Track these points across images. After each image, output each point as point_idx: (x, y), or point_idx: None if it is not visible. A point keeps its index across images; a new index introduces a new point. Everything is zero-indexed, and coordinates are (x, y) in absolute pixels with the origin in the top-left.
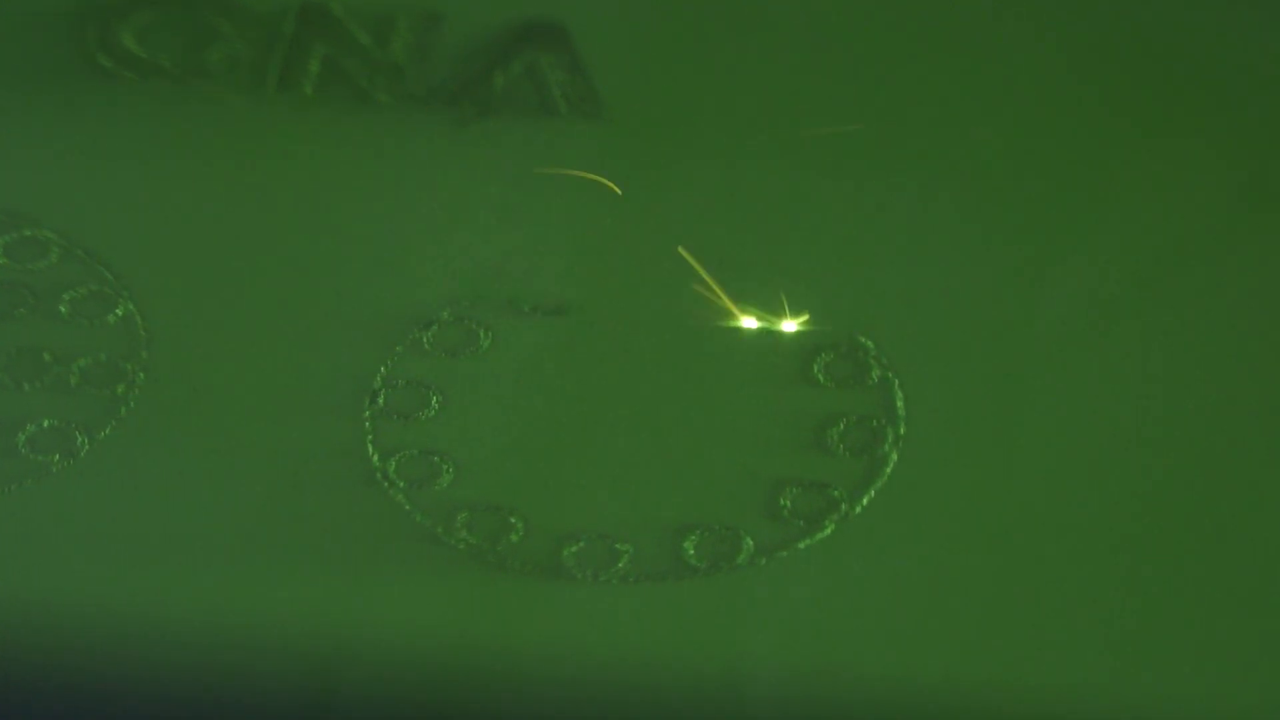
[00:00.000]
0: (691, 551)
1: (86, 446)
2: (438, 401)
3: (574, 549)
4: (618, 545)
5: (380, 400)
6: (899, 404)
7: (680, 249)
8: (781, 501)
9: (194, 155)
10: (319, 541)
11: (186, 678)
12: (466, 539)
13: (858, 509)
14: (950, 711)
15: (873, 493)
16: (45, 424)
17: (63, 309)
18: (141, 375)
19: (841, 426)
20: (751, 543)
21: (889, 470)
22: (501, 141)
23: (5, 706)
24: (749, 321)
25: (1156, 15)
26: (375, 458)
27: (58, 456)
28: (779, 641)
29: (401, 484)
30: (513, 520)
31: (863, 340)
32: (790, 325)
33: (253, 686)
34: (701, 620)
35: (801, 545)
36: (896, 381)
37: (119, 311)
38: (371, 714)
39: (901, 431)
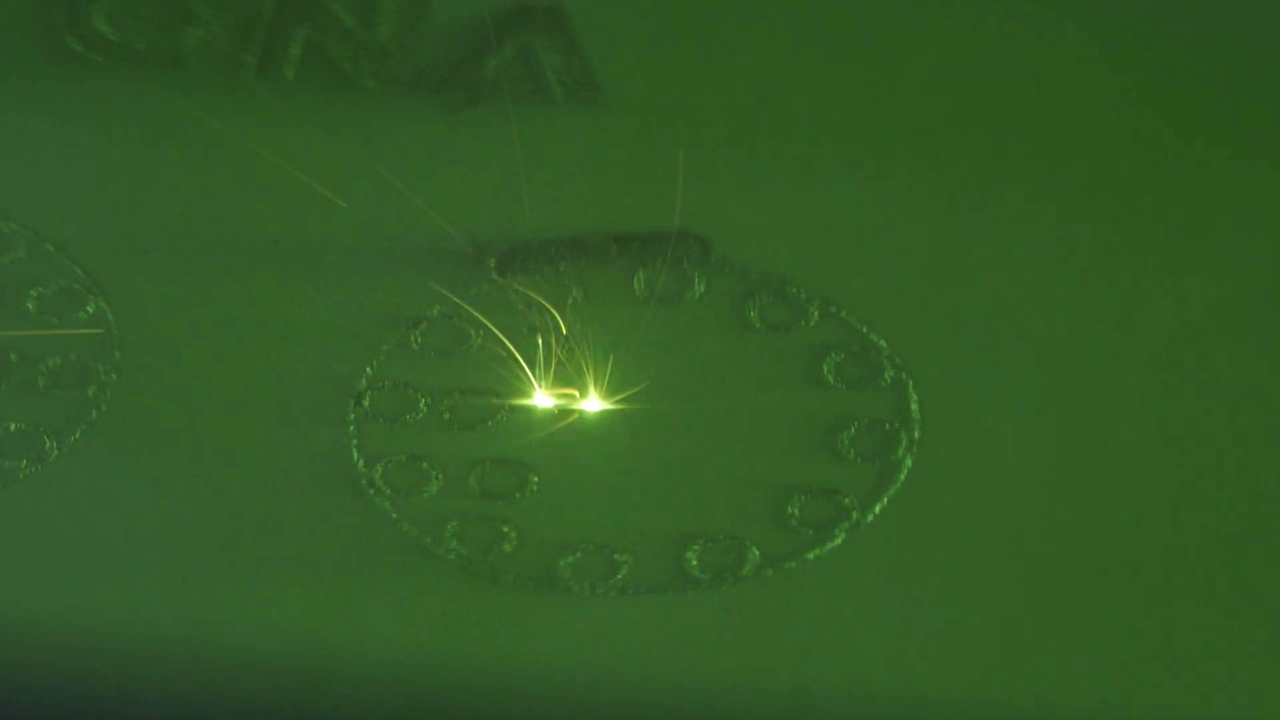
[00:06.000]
0: (694, 562)
1: (56, 452)
2: (426, 404)
3: (570, 560)
4: (616, 556)
5: (365, 402)
6: (913, 406)
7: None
8: (789, 509)
9: (168, 143)
10: (300, 552)
11: (161, 695)
12: (457, 549)
13: (869, 517)
14: None
15: (885, 500)
16: (12, 428)
17: (30, 306)
18: (114, 376)
19: (853, 430)
20: (757, 553)
21: (902, 476)
22: (494, 129)
23: None
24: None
25: (1236, 27)
26: (360, 463)
27: (25, 462)
28: (786, 657)
29: (388, 491)
30: (505, 529)
31: (875, 339)
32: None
33: (231, 704)
34: (705, 635)
35: (810, 556)
36: (911, 383)
37: (90, 309)
38: None
39: (916, 435)
